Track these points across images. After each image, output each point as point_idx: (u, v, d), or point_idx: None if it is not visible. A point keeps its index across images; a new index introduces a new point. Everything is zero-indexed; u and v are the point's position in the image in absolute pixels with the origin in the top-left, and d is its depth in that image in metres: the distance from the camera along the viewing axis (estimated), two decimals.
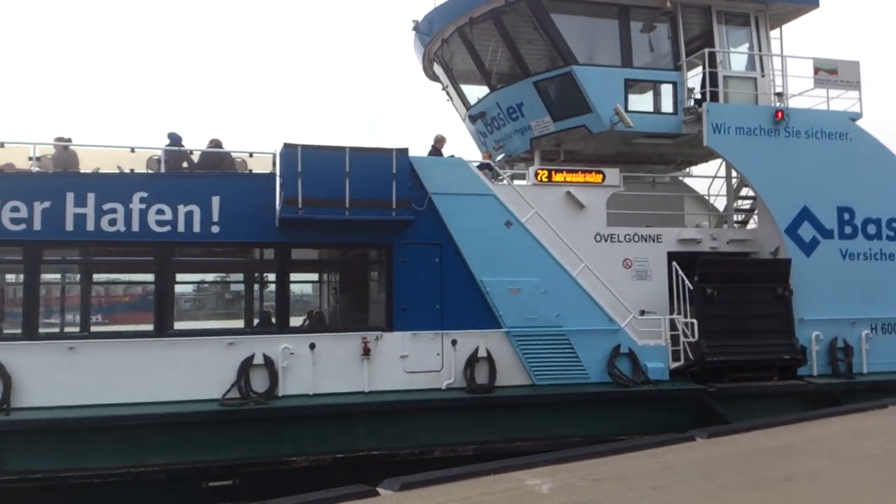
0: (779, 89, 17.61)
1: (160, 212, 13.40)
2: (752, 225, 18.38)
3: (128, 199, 13.24)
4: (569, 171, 16.47)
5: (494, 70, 18.15)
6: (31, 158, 13.40)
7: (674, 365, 15.61)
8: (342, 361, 13.92)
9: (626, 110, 16.82)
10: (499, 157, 19.54)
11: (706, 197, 19.39)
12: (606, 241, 16.42)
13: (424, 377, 14.33)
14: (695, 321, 15.53)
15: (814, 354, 16.23)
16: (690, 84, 17.57)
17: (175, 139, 14.63)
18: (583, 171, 16.55)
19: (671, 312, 15.86)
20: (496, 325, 14.69)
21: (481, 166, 15.65)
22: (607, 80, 16.74)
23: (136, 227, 13.26)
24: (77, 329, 14.19)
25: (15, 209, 12.84)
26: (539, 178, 16.22)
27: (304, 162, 13.59)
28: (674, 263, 16.27)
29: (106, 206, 13.17)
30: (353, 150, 13.90)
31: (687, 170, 20.82)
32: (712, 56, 17.19)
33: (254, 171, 14.34)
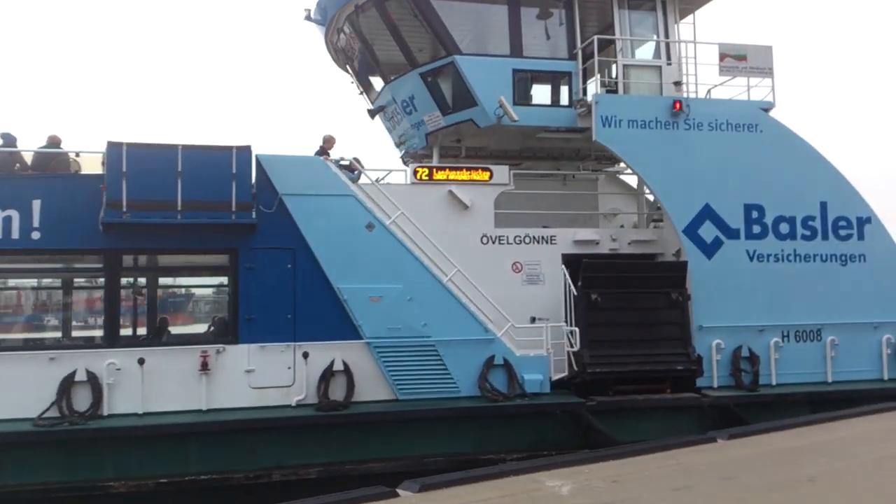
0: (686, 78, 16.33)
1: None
2: None
3: None
4: (452, 169, 15.32)
5: (386, 61, 17.00)
6: None
7: (557, 376, 14.43)
8: (177, 377, 12.85)
9: (528, 103, 15.70)
10: (401, 154, 18.43)
11: (645, 195, 18.03)
12: (494, 243, 15.27)
13: (274, 393, 13.24)
14: (577, 329, 14.34)
15: (714, 365, 14.95)
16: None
17: (8, 139, 13.62)
18: (468, 169, 15.38)
19: (567, 319, 14.67)
20: (355, 336, 13.55)
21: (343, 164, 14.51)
22: (493, 71, 15.53)
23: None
24: None
25: None
26: (418, 177, 15.07)
27: (130, 162, 12.51)
28: (562, 267, 15.08)
29: None
30: (187, 147, 12.81)
31: (618, 165, 19.56)
32: (623, 45, 15.97)
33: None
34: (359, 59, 17.69)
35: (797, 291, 15.62)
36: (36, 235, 12.55)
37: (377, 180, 15.27)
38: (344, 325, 13.52)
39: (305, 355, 13.31)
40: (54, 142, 13.79)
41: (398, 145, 18.25)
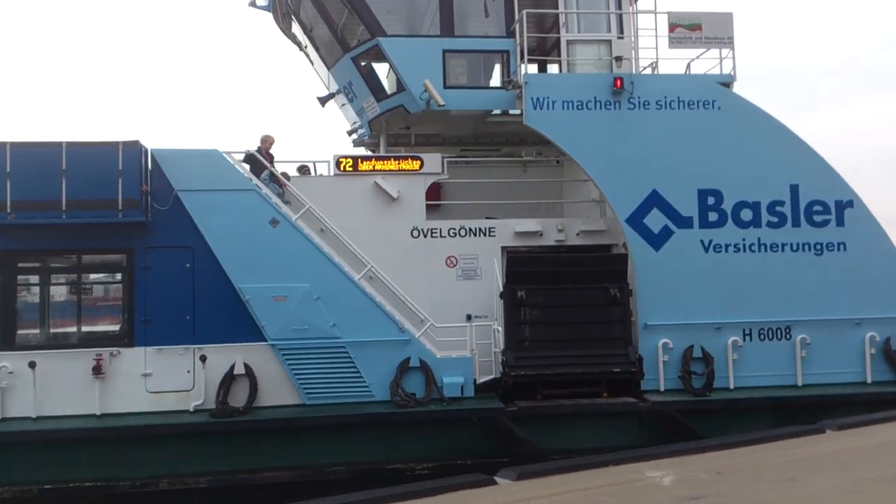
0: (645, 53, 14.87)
1: None
2: None
3: None
4: (379, 159, 14.46)
5: (329, 44, 16.18)
6: None
7: (484, 379, 13.39)
8: (71, 381, 12.48)
9: (463, 85, 14.68)
10: (353, 144, 17.63)
11: None
12: (426, 236, 14.34)
13: (172, 398, 12.72)
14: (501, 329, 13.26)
15: (660, 366, 13.55)
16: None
17: None
18: (396, 158, 14.48)
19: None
20: (259, 338, 12.88)
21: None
22: (421, 53, 14.55)
23: None
24: None
25: None
26: (342, 168, 14.27)
27: (14, 161, 12.19)
28: (494, 261, 13.99)
29: None
30: (72, 144, 12.37)
31: None
32: (567, 19, 14.68)
33: None
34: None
35: (762, 285, 14.00)
36: None
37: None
38: (246, 327, 12.86)
39: (203, 358, 12.72)
40: None
41: (350, 133, 17.45)
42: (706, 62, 15.00)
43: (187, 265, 12.88)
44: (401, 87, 14.70)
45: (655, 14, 14.66)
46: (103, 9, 55.20)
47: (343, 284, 13.10)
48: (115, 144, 12.41)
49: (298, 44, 17.53)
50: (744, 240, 14.03)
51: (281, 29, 17.50)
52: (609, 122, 13.81)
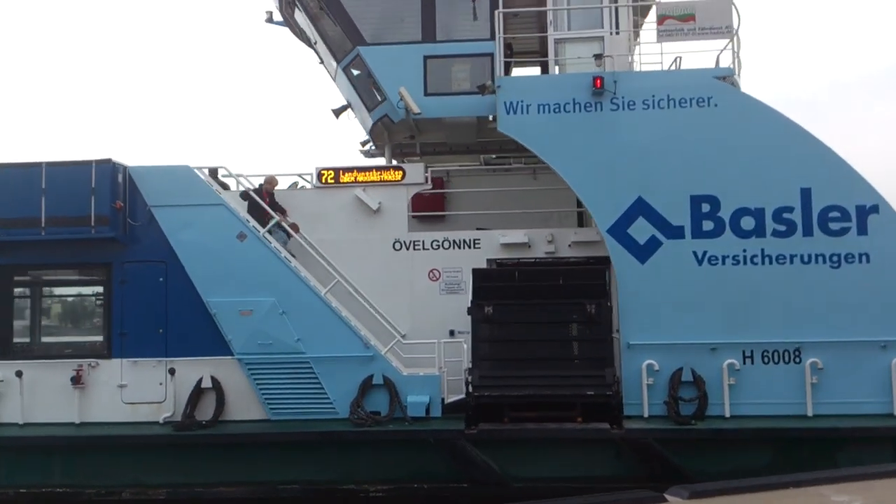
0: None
1: None
2: None
3: None
4: (361, 171, 14.22)
5: (323, 56, 16.16)
6: None
7: (453, 398, 12.81)
8: (54, 390, 13.10)
9: (447, 91, 14.22)
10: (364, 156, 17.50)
11: None
12: (408, 248, 13.96)
13: (146, 409, 13.07)
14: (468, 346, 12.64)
15: (644, 390, 12.41)
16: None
17: None
18: (378, 169, 14.21)
19: None
20: (227, 352, 12.99)
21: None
22: (401, 60, 14.18)
23: None
24: None
25: None
26: (323, 180, 14.17)
27: (5, 177, 12.97)
28: (470, 274, 13.38)
29: None
30: (51, 164, 13.01)
31: None
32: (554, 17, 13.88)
33: None
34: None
35: (766, 301, 12.53)
36: None
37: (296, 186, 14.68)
38: (214, 341, 13.00)
39: (172, 371, 12.98)
40: None
41: (363, 145, 17.32)
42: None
43: (161, 279, 13.20)
44: (380, 96, 14.41)
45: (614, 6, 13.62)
46: (134, 27, 57.76)
47: (308, 299, 12.96)
48: (88, 163, 12.93)
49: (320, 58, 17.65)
50: (744, 251, 12.61)
51: (301, 41, 17.67)
52: (589, 124, 12.83)
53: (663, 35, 13.07)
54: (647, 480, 11.88)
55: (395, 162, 16.02)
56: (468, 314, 12.72)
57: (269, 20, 17.35)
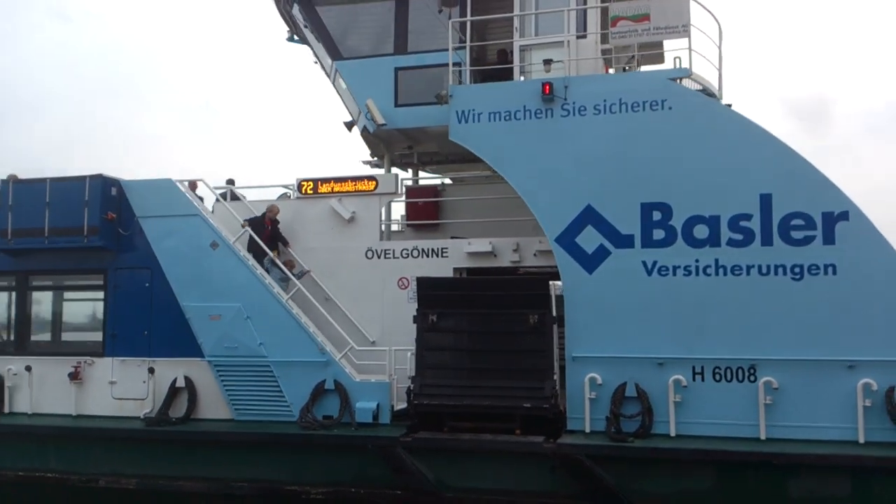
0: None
1: None
2: None
3: None
4: (337, 181, 14.69)
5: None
6: None
7: (402, 406, 12.95)
8: (56, 384, 14.45)
9: (416, 102, 14.44)
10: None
11: None
12: (379, 257, 14.28)
13: (132, 404, 14.14)
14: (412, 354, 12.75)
15: (586, 404, 11.99)
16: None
17: None
18: (353, 180, 14.62)
19: None
20: (199, 354, 13.82)
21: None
22: (373, 73, 14.53)
23: None
24: None
25: None
26: (303, 191, 14.78)
27: (15, 195, 14.49)
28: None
29: None
30: (55, 180, 14.39)
31: None
32: (520, 23, 13.73)
33: None
34: None
35: (719, 315, 11.75)
36: None
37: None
38: (189, 343, 13.86)
39: (151, 370, 13.98)
40: None
41: (372, 156, 17.72)
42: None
43: (146, 284, 14.24)
44: (359, 108, 14.80)
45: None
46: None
47: (271, 305, 13.54)
48: (83, 178, 14.20)
49: None
50: (697, 261, 11.89)
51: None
52: (538, 132, 12.57)
53: (616, 37, 12.61)
54: (581, 499, 11.60)
55: (394, 171, 16.34)
56: (413, 322, 12.84)
57: (290, 38, 18.22)
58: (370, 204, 14.42)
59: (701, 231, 11.89)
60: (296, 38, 17.97)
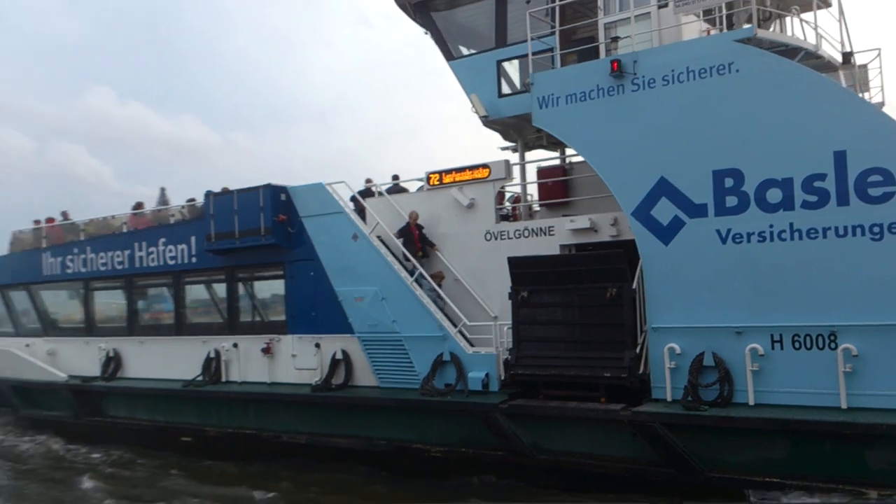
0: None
1: (175, 249, 19.39)
2: None
3: (150, 244, 19.70)
4: (458, 171, 16.04)
5: None
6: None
7: None
8: (256, 357, 17.60)
9: (518, 91, 15.36)
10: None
11: None
12: (496, 238, 15.49)
13: (308, 374, 16.78)
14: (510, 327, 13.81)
15: (666, 373, 12.23)
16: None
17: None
18: (470, 169, 15.88)
19: None
20: (350, 331, 16.06)
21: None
22: (479, 68, 15.60)
23: (158, 262, 19.60)
24: None
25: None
26: (431, 183, 16.37)
27: (216, 206, 17.79)
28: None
29: (149, 250, 19.85)
30: (239, 191, 17.41)
31: None
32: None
33: None
34: None
35: (796, 281, 11.31)
36: (194, 259, 18.92)
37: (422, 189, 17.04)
38: (343, 322, 16.17)
39: (318, 345, 16.51)
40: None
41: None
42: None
43: (311, 273, 16.77)
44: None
45: None
46: None
47: (400, 288, 15.34)
48: (258, 188, 17.06)
49: None
50: (771, 226, 11.50)
51: None
52: (611, 109, 12.84)
53: (679, 5, 12.41)
54: (660, 466, 12.03)
55: (527, 156, 17.25)
56: (508, 298, 13.87)
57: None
58: (486, 190, 15.56)
59: (774, 195, 11.50)
60: None
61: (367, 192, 17.41)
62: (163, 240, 19.55)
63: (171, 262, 19.35)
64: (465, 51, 16.11)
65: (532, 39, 14.39)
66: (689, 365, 12.06)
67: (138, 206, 21.37)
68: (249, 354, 17.77)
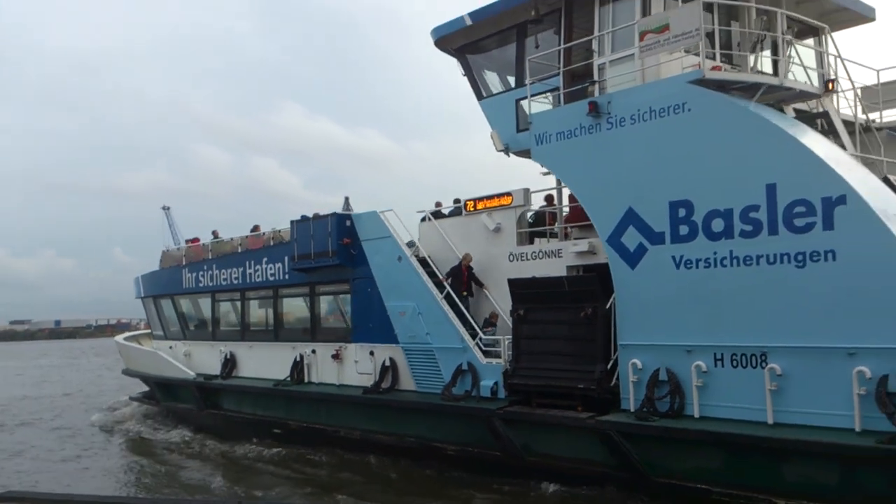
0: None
1: (273, 267, 22.57)
2: None
3: (256, 263, 22.99)
4: (488, 198, 17.84)
5: None
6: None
7: None
8: (329, 362, 20.26)
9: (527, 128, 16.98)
10: None
11: None
12: (518, 260, 17.15)
13: (366, 378, 19.17)
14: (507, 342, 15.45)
15: (630, 386, 13.42)
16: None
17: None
18: (498, 196, 17.64)
19: None
20: (396, 341, 18.30)
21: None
22: (502, 107, 17.28)
23: (262, 278, 22.85)
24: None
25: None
26: (468, 209, 18.28)
27: (297, 231, 20.71)
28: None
29: (256, 268, 23.17)
30: (315, 217, 20.18)
31: None
32: (598, 44, 15.35)
33: None
34: None
35: (735, 304, 12.22)
36: (286, 276, 21.95)
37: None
38: (391, 333, 18.42)
39: (371, 353, 18.87)
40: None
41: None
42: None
43: (369, 290, 19.18)
44: None
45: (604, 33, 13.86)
46: None
47: (433, 304, 17.36)
48: (327, 216, 19.74)
49: None
50: (715, 253, 12.45)
51: None
52: (590, 145, 14.18)
53: (645, 50, 13.54)
54: (621, 470, 13.34)
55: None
56: (509, 316, 15.51)
57: None
58: (509, 215, 17.23)
59: (717, 224, 12.46)
60: None
61: (437, 214, 19.59)
62: (265, 259, 22.80)
63: (272, 279, 22.55)
64: (493, 90, 17.90)
65: (533, 82, 15.99)
66: (647, 379, 13.20)
67: (255, 228, 24.88)
68: (325, 359, 20.47)
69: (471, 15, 17.34)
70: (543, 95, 16.57)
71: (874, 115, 15.90)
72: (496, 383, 15.84)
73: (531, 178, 22.29)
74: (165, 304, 27.94)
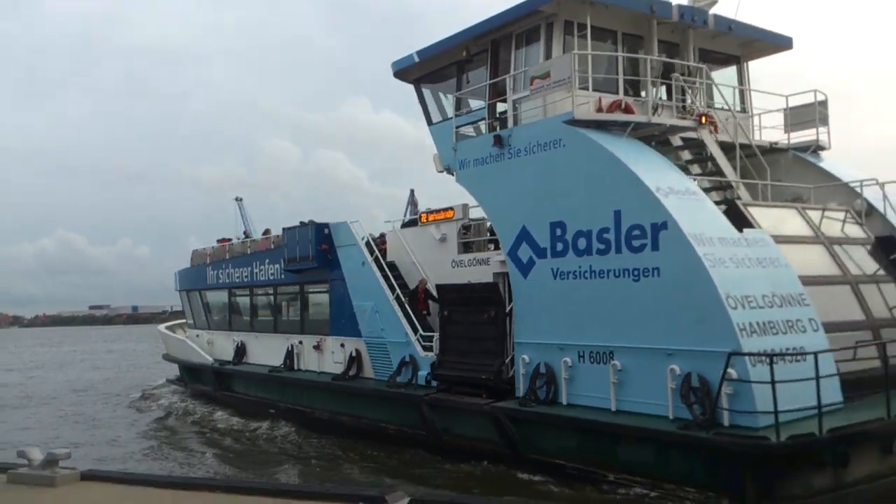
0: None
1: (272, 268, 25.65)
2: None
3: (260, 263, 26.10)
4: (436, 212, 20.41)
5: None
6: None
7: None
8: (312, 352, 23.20)
9: None
10: None
11: None
12: (458, 266, 19.69)
13: (339, 366, 22.01)
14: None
15: (520, 378, 15.85)
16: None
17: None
18: (444, 210, 20.19)
19: None
20: (360, 335, 21.08)
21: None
22: (444, 133, 19.69)
23: (264, 277, 25.96)
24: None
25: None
26: (423, 220, 20.89)
27: (286, 237, 23.70)
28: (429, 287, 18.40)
29: (260, 268, 26.30)
30: (299, 226, 23.12)
31: None
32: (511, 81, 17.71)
33: None
34: None
35: (593, 310, 14.52)
36: (282, 276, 24.99)
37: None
38: (357, 328, 21.20)
39: (342, 345, 21.70)
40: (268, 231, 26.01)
41: None
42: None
43: (342, 290, 22.02)
44: None
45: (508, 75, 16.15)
46: None
47: (386, 303, 20.06)
48: (308, 225, 22.64)
49: None
50: (580, 267, 14.74)
51: None
52: (496, 172, 16.62)
53: (533, 93, 15.86)
54: (512, 448, 15.82)
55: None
56: (437, 316, 18.08)
57: None
58: (452, 227, 19.75)
59: (581, 243, 14.76)
60: None
61: (404, 224, 22.30)
62: (267, 260, 25.93)
63: (272, 277, 25.67)
64: (439, 117, 20.41)
65: (459, 115, 18.47)
66: (531, 371, 15.62)
67: (266, 232, 28.06)
68: (309, 349, 23.43)
69: (418, 53, 19.90)
70: (474, 125, 19.09)
71: (783, 138, 17.93)
72: (430, 373, 18.46)
73: None
74: (194, 298, 31.52)
